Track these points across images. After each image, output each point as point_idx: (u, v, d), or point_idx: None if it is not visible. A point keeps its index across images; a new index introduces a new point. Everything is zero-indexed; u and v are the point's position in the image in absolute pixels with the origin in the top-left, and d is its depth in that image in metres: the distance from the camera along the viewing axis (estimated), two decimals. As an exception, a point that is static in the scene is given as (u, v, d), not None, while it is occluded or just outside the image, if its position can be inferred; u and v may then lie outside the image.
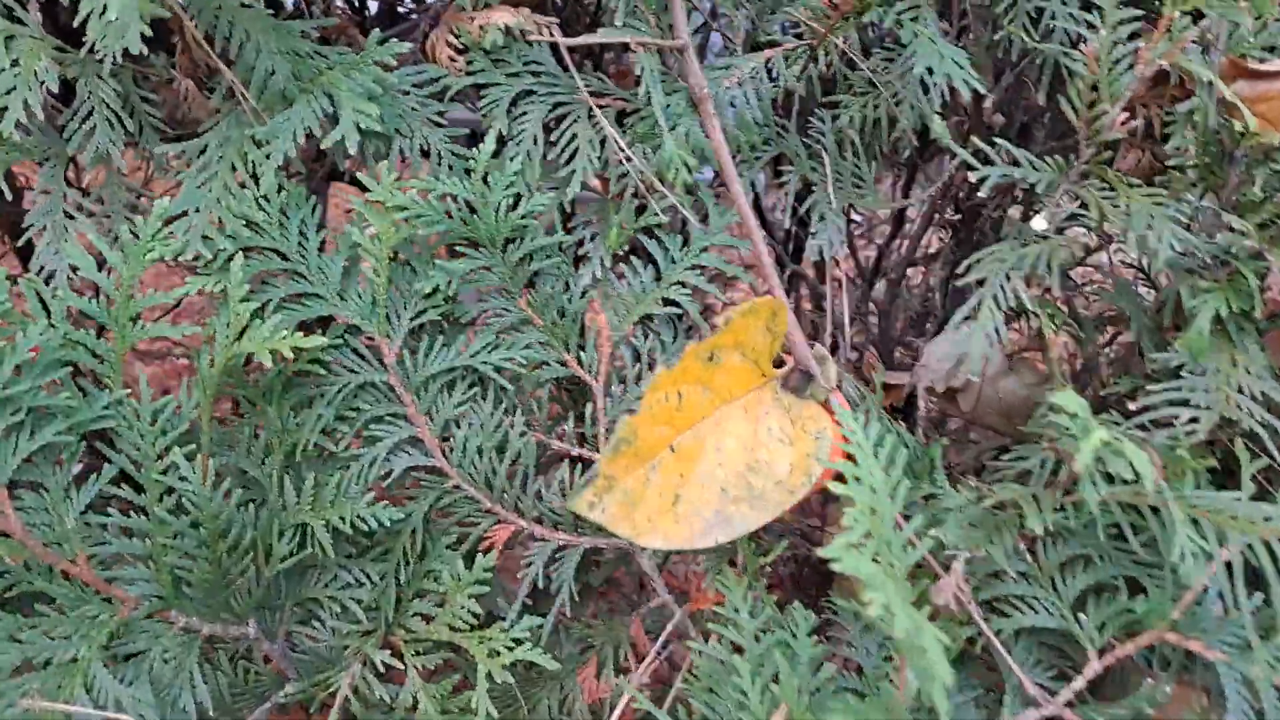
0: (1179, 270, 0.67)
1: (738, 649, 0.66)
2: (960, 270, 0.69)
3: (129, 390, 0.64)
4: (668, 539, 0.58)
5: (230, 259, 0.64)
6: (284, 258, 0.67)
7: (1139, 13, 0.66)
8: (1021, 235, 0.70)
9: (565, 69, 0.71)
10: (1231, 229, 0.63)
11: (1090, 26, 0.67)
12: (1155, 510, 0.60)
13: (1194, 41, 0.68)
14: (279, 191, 0.66)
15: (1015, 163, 0.67)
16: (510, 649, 0.70)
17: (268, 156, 0.64)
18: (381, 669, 0.73)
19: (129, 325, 0.63)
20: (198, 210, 0.64)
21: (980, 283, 0.95)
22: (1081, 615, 0.64)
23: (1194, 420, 0.61)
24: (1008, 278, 0.67)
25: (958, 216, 0.90)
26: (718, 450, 0.63)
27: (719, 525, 0.60)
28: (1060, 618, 0.64)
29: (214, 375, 0.64)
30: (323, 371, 0.70)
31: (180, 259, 0.63)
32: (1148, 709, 0.61)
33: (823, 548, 0.45)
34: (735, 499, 0.61)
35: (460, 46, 0.70)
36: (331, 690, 0.73)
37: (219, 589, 0.69)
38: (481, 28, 0.69)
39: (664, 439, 0.60)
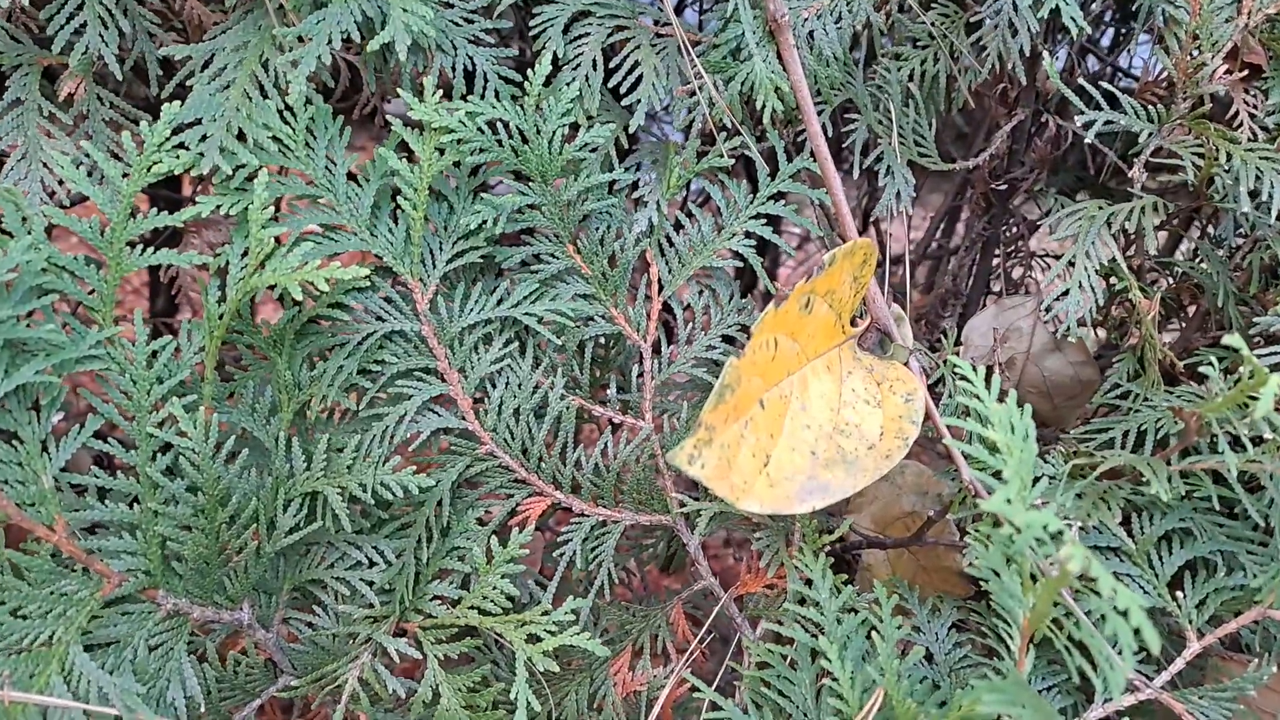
0: (1273, 231, 0.64)
1: (816, 631, 0.59)
2: (1048, 225, 0.65)
3: (120, 328, 0.55)
4: (763, 503, 0.51)
5: (252, 177, 0.55)
6: (309, 183, 0.58)
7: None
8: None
9: (624, -8, 0.65)
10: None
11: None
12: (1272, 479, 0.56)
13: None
14: (306, 105, 0.57)
15: (1116, 109, 0.62)
16: (552, 634, 0.62)
17: (295, 64, 0.55)
18: (395, 659, 0.64)
19: (125, 250, 0.53)
20: (214, 119, 0.54)
21: (1011, 262, 0.91)
22: (1179, 594, 0.60)
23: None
24: (1098, 235, 0.63)
25: (1002, 185, 0.86)
26: (804, 410, 0.57)
27: (815, 491, 0.53)
28: (1157, 596, 0.60)
29: (226, 313, 0.55)
30: (345, 318, 0.61)
31: (192, 173, 0.54)
32: (1250, 690, 0.58)
33: (980, 504, 0.40)
34: (827, 463, 0.55)
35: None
36: (337, 684, 0.64)
37: (214, 567, 0.60)
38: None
39: (757, 391, 0.53)
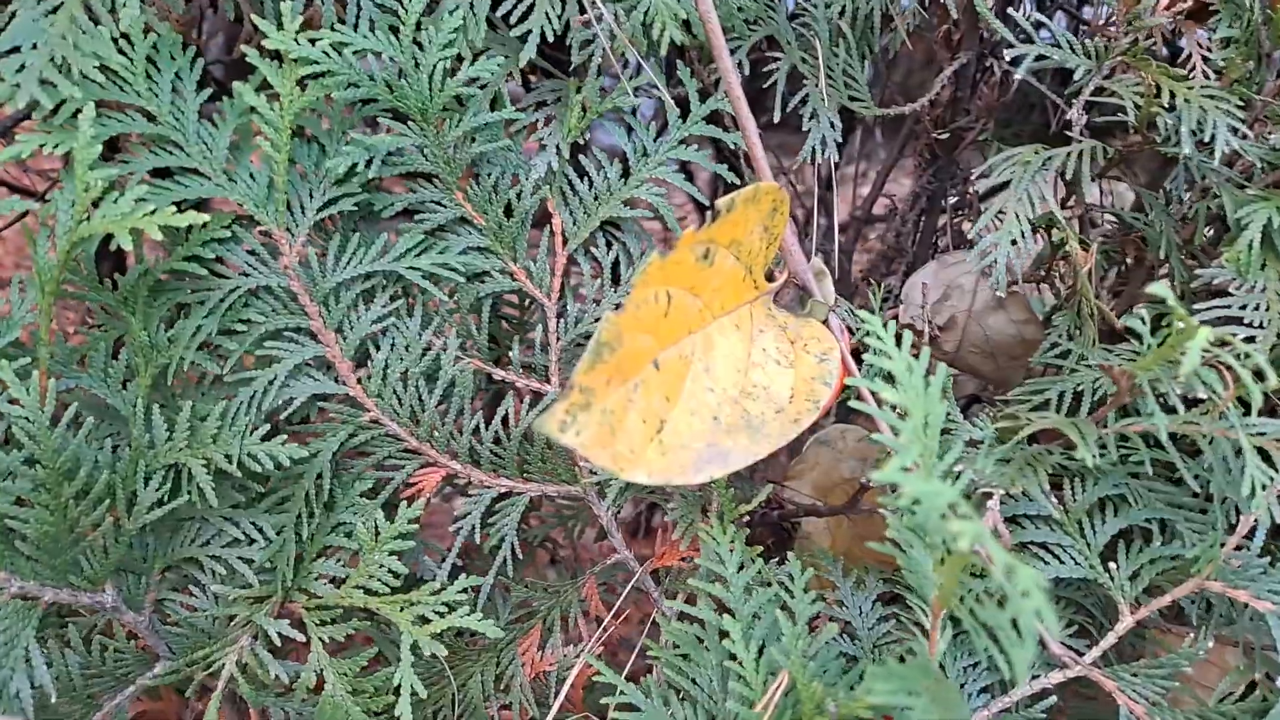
0: (1220, 179, 0.59)
1: (723, 609, 0.55)
2: (981, 174, 0.60)
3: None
4: (652, 473, 0.46)
5: (77, 112, 0.49)
6: (151, 119, 0.52)
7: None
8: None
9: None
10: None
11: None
12: (1210, 442, 0.52)
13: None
14: (145, 34, 0.51)
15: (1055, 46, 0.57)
16: (441, 615, 0.57)
17: (131, -17, 0.49)
18: (277, 642, 0.59)
19: (-65, 195, 0.47)
20: (34, 47, 0.48)
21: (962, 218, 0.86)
22: (1112, 564, 0.56)
23: (1250, 340, 0.54)
24: (1034, 182, 0.58)
25: (944, 135, 0.80)
26: (707, 372, 0.52)
27: (714, 459, 0.48)
28: (1089, 567, 0.56)
29: (54, 267, 0.49)
30: (203, 272, 0.55)
31: (5, 108, 0.47)
32: (1185, 665, 0.54)
33: (870, 475, 0.35)
34: (730, 429, 0.50)
35: None
36: (213, 669, 0.59)
37: (65, 546, 0.54)
38: None
39: (648, 351, 0.48)
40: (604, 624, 0.66)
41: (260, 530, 0.60)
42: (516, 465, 0.63)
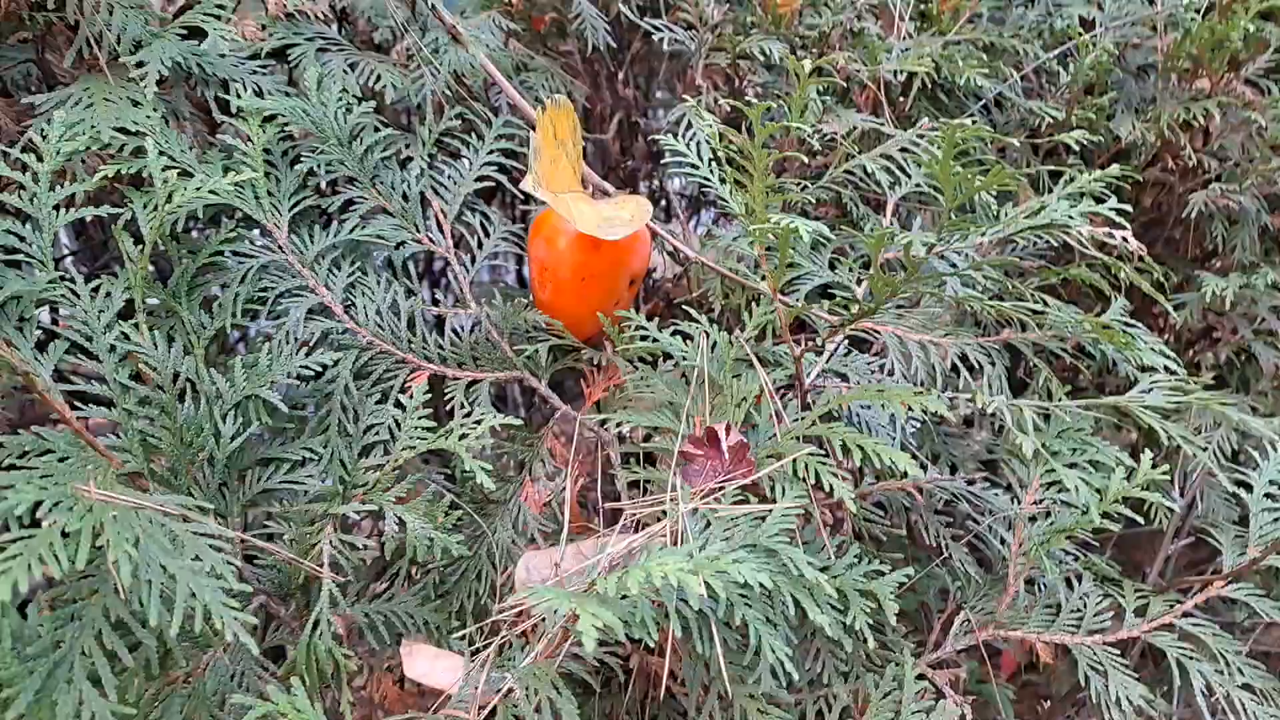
0: None
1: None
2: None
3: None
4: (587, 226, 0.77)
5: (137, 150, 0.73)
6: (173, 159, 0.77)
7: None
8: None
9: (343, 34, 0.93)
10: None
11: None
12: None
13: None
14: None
15: None
16: (479, 436, 0.79)
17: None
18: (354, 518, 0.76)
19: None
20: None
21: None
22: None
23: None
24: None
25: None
26: (581, 207, 0.84)
27: (612, 230, 0.80)
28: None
29: (144, 251, 0.70)
30: (228, 264, 0.78)
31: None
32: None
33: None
34: (609, 221, 0.82)
35: (262, 23, 0.89)
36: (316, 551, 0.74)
37: (184, 464, 0.70)
38: (280, 3, 0.89)
39: (561, 179, 0.80)
40: (570, 460, 0.90)
41: (312, 450, 0.78)
42: (473, 362, 0.88)
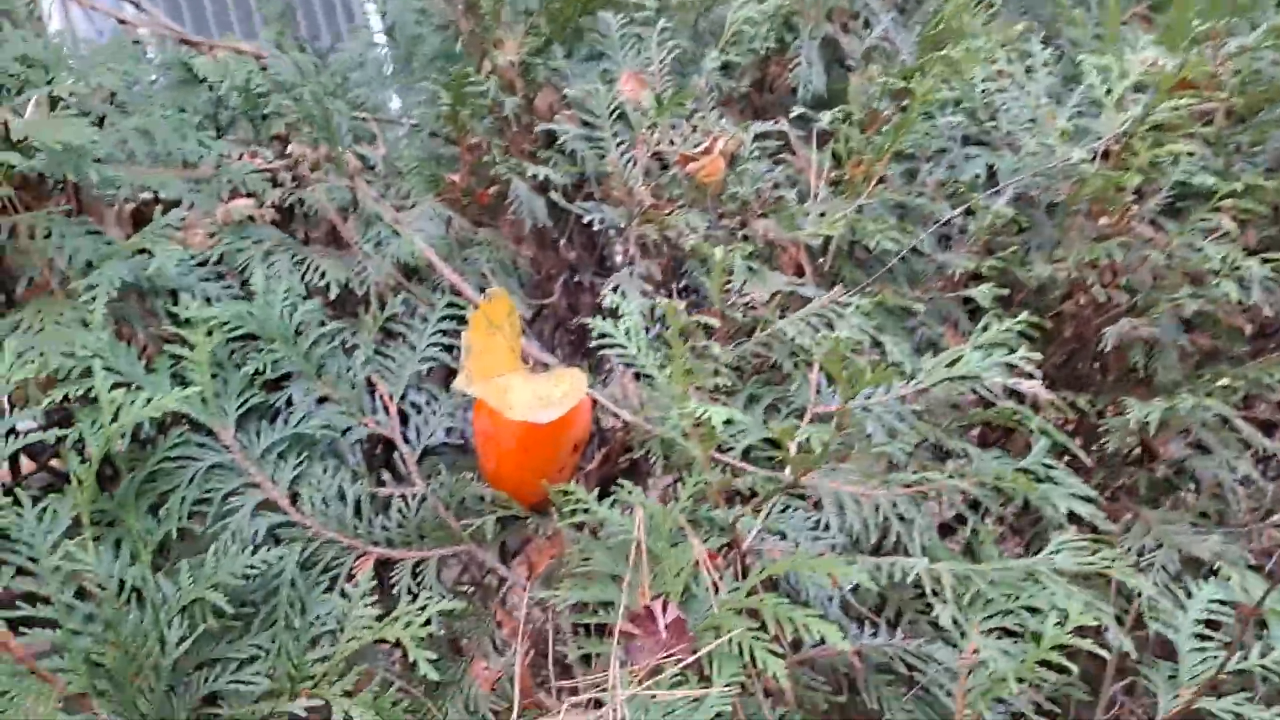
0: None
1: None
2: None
3: (4, 503, 0.70)
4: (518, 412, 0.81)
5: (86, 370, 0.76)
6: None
7: None
8: None
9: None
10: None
11: None
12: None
13: None
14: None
15: None
16: (425, 623, 0.80)
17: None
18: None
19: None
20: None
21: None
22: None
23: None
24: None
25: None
26: (517, 389, 0.88)
27: (544, 411, 0.84)
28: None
29: (91, 473, 0.73)
30: (172, 467, 0.80)
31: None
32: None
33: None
34: (543, 401, 0.86)
35: (211, 231, 0.95)
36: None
37: (128, 678, 0.71)
38: (228, 211, 0.95)
39: (496, 365, 0.85)
40: (519, 631, 0.91)
41: (259, 648, 0.80)
42: (419, 538, 0.91)
